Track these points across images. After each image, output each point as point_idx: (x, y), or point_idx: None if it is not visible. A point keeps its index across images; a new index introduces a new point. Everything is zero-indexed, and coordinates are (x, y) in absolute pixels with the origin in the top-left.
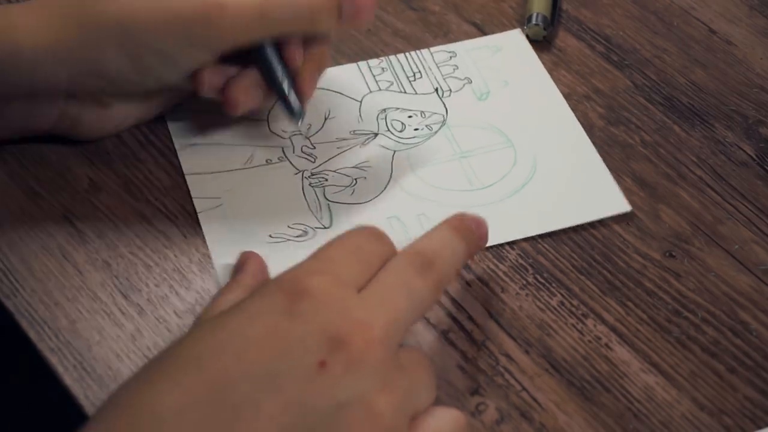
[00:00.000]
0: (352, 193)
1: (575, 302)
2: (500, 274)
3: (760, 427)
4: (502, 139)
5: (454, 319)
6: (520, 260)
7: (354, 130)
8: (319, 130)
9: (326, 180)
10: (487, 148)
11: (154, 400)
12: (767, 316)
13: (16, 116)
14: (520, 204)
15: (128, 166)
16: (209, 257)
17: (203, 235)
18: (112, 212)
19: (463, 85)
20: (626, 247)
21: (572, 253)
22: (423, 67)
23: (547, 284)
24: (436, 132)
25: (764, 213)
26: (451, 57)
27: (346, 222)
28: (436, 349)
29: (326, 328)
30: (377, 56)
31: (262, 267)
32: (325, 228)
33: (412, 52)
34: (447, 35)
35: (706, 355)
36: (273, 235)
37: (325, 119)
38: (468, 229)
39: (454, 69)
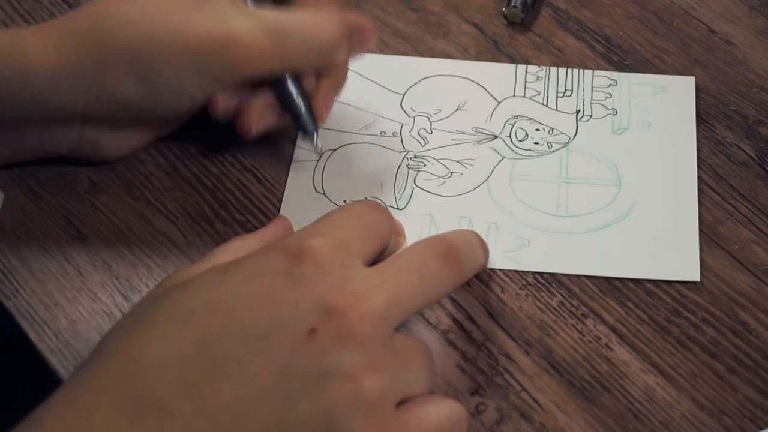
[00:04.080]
0: (442, 183)
1: (575, 302)
2: (500, 274)
3: (760, 428)
4: (613, 177)
5: (454, 319)
6: None
7: (477, 127)
8: (446, 117)
9: (424, 165)
10: (593, 180)
11: (141, 351)
12: (767, 316)
13: (31, 142)
14: (590, 242)
15: (128, 167)
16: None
17: (203, 236)
18: (112, 213)
19: (607, 114)
20: None
21: None
22: (577, 86)
23: (547, 284)
24: (554, 151)
25: (764, 213)
26: (610, 84)
27: (419, 209)
28: (436, 349)
29: (322, 296)
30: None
31: (288, 230)
32: (398, 209)
33: (575, 70)
34: (447, 35)
35: (706, 355)
36: (347, 201)
37: (457, 108)
38: (484, 243)
39: (606, 97)
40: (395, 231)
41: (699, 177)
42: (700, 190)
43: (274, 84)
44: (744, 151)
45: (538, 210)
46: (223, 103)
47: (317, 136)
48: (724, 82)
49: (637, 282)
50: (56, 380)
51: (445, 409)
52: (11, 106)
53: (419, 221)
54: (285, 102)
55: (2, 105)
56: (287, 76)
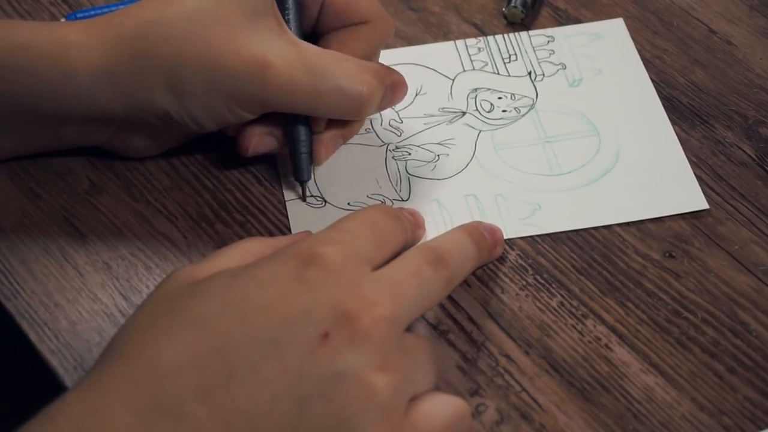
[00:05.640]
0: (434, 168)
1: (575, 303)
2: (500, 274)
3: (760, 428)
4: (588, 127)
5: (453, 319)
6: (520, 261)
7: (443, 108)
8: (409, 104)
9: (409, 154)
10: (571, 135)
11: (155, 355)
12: (767, 316)
13: (68, 137)
14: (597, 193)
15: (128, 168)
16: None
17: (203, 237)
18: (112, 214)
19: (557, 70)
20: (626, 247)
21: (572, 253)
22: (519, 49)
23: (547, 285)
24: (523, 115)
25: (764, 213)
26: (549, 41)
27: (424, 196)
28: (436, 350)
29: (334, 301)
30: None
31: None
32: (403, 200)
33: (511, 34)
34: (447, 36)
35: (705, 355)
36: (351, 204)
37: (416, 94)
38: (481, 236)
39: (550, 53)
40: (415, 224)
41: (699, 177)
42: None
43: (285, 116)
44: (744, 151)
45: (535, 174)
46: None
47: (307, 185)
48: (724, 82)
49: (637, 282)
50: (56, 381)
51: (452, 406)
52: (54, 106)
53: (429, 208)
54: (289, 140)
55: (45, 104)
56: (301, 116)
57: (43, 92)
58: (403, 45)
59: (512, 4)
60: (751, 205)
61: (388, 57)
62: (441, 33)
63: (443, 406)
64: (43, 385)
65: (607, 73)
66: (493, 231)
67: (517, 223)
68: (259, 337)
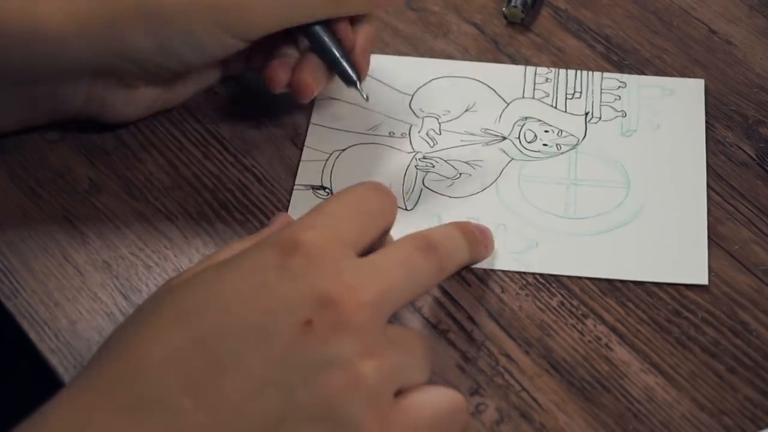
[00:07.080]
0: (450, 185)
1: (575, 302)
2: (500, 274)
3: (760, 428)
4: (622, 179)
5: (453, 319)
6: None
7: (485, 128)
8: (455, 118)
9: (432, 166)
10: (601, 183)
11: (141, 350)
12: (767, 316)
13: (41, 99)
14: (599, 244)
15: (128, 167)
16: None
17: (203, 236)
18: (112, 213)
19: (616, 116)
20: None
21: None
22: (586, 88)
23: (547, 284)
24: (562, 153)
25: (764, 213)
26: (619, 87)
27: (427, 210)
28: (436, 349)
29: (316, 288)
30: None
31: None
32: (406, 210)
33: (584, 71)
34: (447, 35)
35: (706, 355)
36: None
37: (467, 110)
38: (472, 234)
39: (615, 99)
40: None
41: None
42: None
43: (312, 41)
44: (744, 151)
45: (547, 212)
46: (278, 74)
47: (361, 84)
48: (724, 82)
49: (638, 282)
50: (56, 380)
51: (445, 398)
52: (23, 62)
53: (427, 222)
54: (325, 55)
55: (15, 61)
56: (322, 30)
57: (12, 49)
58: (403, 44)
59: (512, 3)
60: (751, 205)
61: (452, 68)
62: (441, 33)
63: (437, 397)
64: (43, 385)
65: (665, 130)
66: (484, 231)
67: (507, 256)
68: (242, 327)
